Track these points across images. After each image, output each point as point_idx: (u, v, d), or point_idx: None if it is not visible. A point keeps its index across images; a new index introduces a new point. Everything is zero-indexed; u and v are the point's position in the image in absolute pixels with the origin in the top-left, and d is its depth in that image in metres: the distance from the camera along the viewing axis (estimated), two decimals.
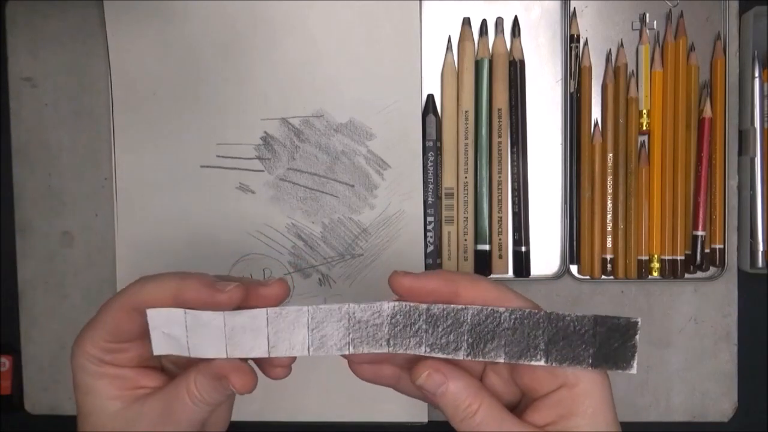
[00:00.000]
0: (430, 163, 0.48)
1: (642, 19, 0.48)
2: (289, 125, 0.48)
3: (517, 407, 0.31)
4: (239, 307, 0.29)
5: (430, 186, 0.48)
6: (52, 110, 0.50)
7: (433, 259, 0.48)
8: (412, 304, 0.28)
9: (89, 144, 0.50)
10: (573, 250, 0.48)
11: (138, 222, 0.49)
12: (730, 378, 0.48)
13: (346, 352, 0.28)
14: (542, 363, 0.28)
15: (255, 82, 0.48)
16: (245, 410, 0.49)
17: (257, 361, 0.30)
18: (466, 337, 0.28)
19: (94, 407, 0.30)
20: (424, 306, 0.28)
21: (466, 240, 0.48)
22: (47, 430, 0.51)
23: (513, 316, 0.28)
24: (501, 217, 0.47)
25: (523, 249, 0.48)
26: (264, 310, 0.28)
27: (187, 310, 0.28)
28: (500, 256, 0.47)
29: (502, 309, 0.28)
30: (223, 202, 0.48)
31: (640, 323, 0.27)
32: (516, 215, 0.48)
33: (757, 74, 0.47)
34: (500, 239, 0.47)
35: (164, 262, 0.48)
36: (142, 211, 0.49)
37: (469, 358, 0.28)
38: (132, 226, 0.49)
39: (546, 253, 0.48)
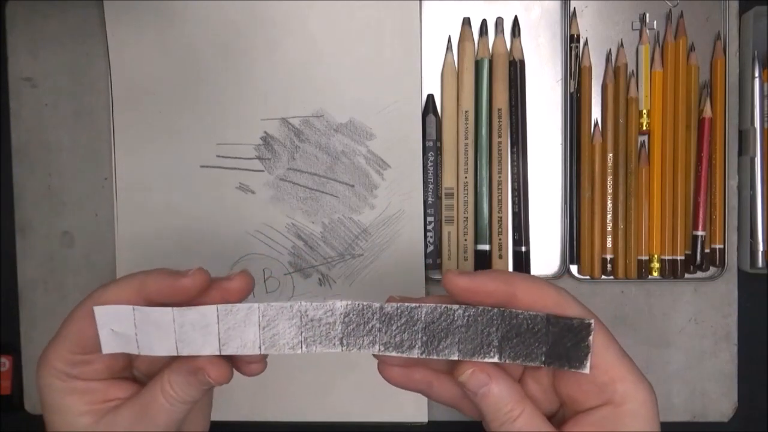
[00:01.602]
0: (430, 163, 0.48)
1: (642, 19, 0.48)
2: (289, 125, 0.48)
3: (553, 418, 0.30)
4: (192, 304, 0.28)
5: (430, 186, 0.48)
6: (52, 110, 0.50)
7: (433, 259, 0.48)
8: (365, 302, 0.28)
9: (89, 144, 0.50)
10: (573, 250, 0.48)
11: (138, 222, 0.49)
12: (730, 378, 0.48)
13: (299, 351, 0.28)
14: (495, 359, 0.27)
15: (255, 82, 0.48)
16: (244, 410, 0.49)
17: (231, 360, 0.30)
18: (420, 335, 0.27)
19: (64, 425, 0.29)
20: (378, 305, 0.28)
21: (466, 240, 0.48)
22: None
23: (467, 314, 0.27)
24: (501, 217, 0.47)
25: (523, 249, 0.48)
26: (214, 306, 0.28)
27: (136, 307, 0.28)
28: (500, 256, 0.47)
29: (455, 306, 0.27)
30: (223, 202, 0.48)
31: (593, 325, 0.27)
32: (516, 215, 0.48)
33: (757, 74, 0.47)
34: (500, 239, 0.47)
35: (164, 262, 0.48)
36: (142, 211, 0.49)
37: (424, 356, 0.28)
38: (132, 226, 0.49)
39: (546, 253, 0.48)
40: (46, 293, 0.50)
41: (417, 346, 0.28)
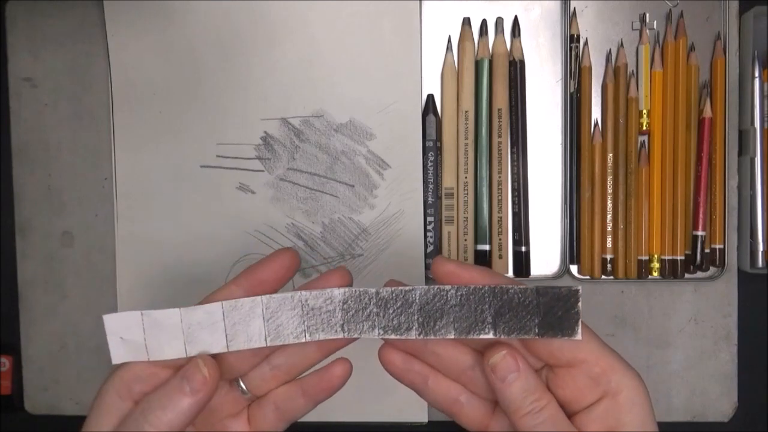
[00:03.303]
0: (430, 163, 0.48)
1: (642, 19, 0.48)
2: (289, 125, 0.48)
3: None
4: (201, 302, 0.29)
5: (430, 186, 0.48)
6: (52, 110, 0.50)
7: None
8: (361, 288, 0.28)
9: (89, 144, 0.50)
10: (573, 250, 0.48)
11: (138, 222, 0.49)
12: (730, 378, 0.48)
13: (303, 340, 0.29)
14: (490, 336, 0.28)
15: (255, 82, 0.48)
16: None
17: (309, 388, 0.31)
18: (416, 317, 0.28)
19: None
20: (373, 290, 0.28)
21: (466, 240, 0.48)
22: (47, 430, 0.51)
23: (459, 293, 0.28)
24: (501, 217, 0.47)
25: (523, 249, 0.48)
26: (219, 303, 0.29)
27: (144, 312, 0.28)
28: (500, 256, 0.47)
29: (448, 287, 0.28)
30: (223, 202, 0.48)
31: (581, 291, 0.28)
32: (516, 215, 0.48)
33: (757, 74, 0.47)
34: (500, 239, 0.47)
35: (164, 263, 0.48)
36: (142, 211, 0.49)
37: (422, 337, 0.28)
38: (132, 226, 0.49)
39: (546, 253, 0.48)
40: (46, 293, 0.50)
41: (414, 327, 0.28)
